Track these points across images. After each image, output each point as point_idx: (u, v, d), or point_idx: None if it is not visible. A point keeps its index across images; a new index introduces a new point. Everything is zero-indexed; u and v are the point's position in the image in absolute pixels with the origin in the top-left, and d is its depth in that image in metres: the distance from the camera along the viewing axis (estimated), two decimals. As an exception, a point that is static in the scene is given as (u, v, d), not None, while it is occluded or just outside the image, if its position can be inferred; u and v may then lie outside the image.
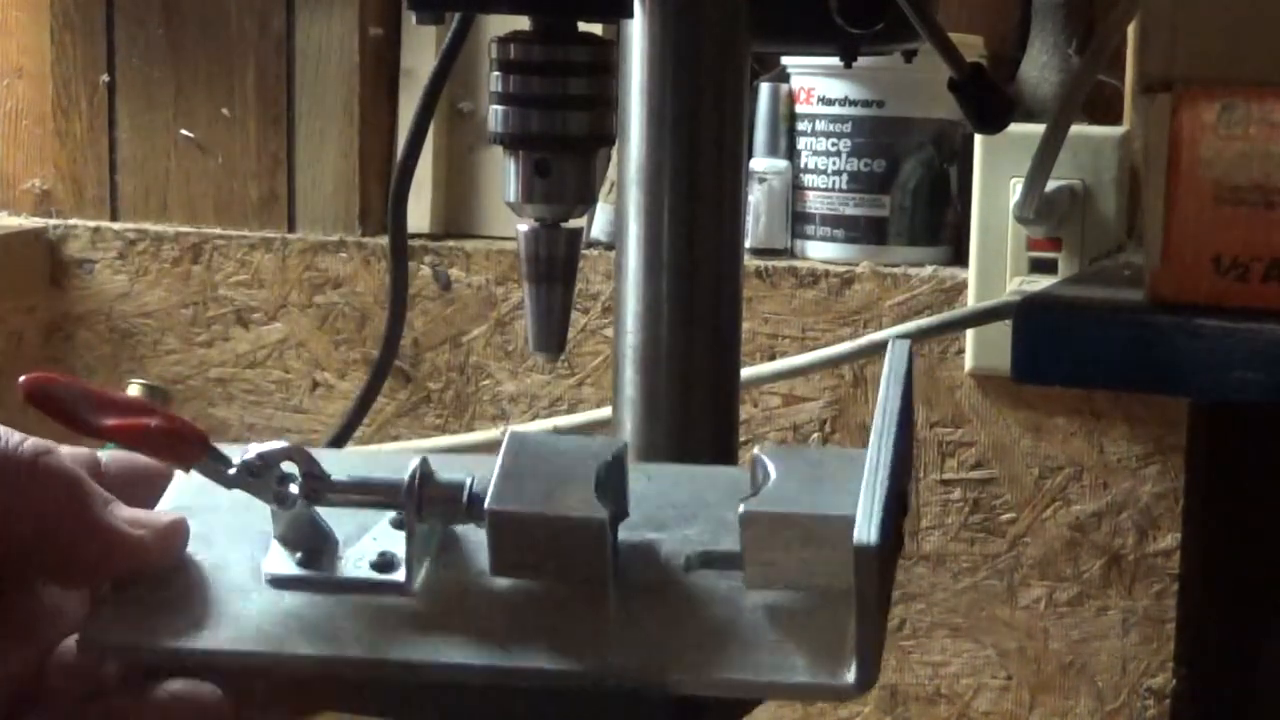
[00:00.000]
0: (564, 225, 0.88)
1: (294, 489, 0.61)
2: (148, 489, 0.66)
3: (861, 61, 1.05)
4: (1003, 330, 1.12)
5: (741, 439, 1.32)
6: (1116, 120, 1.33)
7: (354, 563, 0.61)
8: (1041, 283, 1.25)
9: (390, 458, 0.65)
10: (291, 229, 1.50)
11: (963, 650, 1.36)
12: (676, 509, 0.66)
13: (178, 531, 0.63)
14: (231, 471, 0.62)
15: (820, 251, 1.38)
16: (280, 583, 0.61)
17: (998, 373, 1.30)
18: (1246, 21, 0.89)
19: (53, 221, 1.55)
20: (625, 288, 0.97)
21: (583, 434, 1.41)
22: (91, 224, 1.54)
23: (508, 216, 0.98)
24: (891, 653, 1.37)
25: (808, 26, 1.00)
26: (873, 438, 0.62)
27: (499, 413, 1.44)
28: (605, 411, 1.28)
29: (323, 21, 1.48)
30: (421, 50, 1.47)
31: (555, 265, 0.88)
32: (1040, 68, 1.34)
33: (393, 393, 1.46)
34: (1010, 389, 1.32)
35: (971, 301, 1.32)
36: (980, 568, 1.35)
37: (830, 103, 1.36)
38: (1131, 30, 1.24)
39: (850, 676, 0.60)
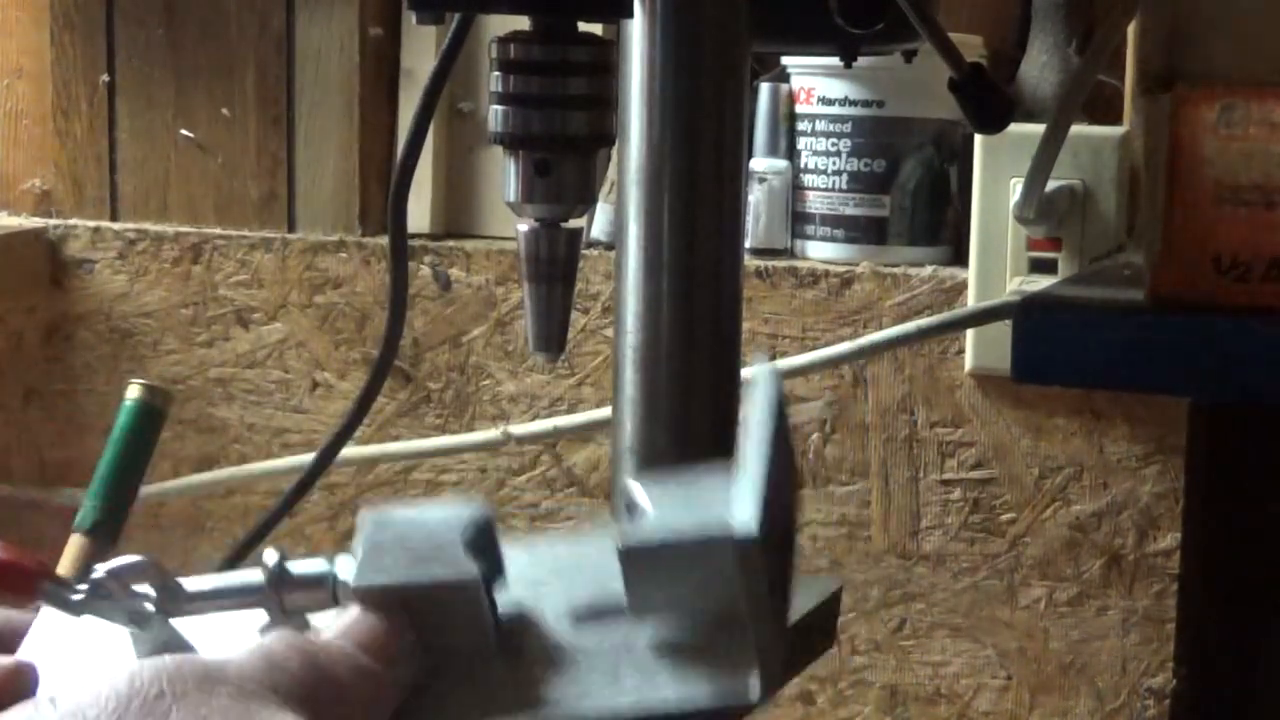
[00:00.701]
0: (564, 225, 0.88)
1: (149, 606, 0.60)
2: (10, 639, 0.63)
3: (861, 61, 1.05)
4: (1003, 330, 1.12)
5: (741, 439, 1.32)
6: (1116, 120, 1.33)
7: None
8: (1041, 283, 1.25)
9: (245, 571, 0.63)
10: (291, 229, 1.50)
11: (963, 650, 1.36)
12: (556, 569, 0.65)
13: (14, 677, 0.60)
14: (78, 598, 0.59)
15: (820, 251, 1.38)
16: None
17: (998, 373, 1.30)
18: (1246, 21, 0.89)
19: (53, 221, 1.55)
20: (625, 288, 0.97)
21: (582, 434, 1.41)
22: (91, 224, 1.54)
23: (508, 216, 0.98)
24: (891, 653, 1.37)
25: (808, 26, 1.00)
26: (743, 445, 0.61)
27: (499, 413, 1.44)
28: (605, 411, 1.28)
29: (323, 21, 1.48)
30: (421, 50, 1.47)
31: (555, 265, 0.88)
32: (1040, 68, 1.34)
33: (393, 393, 1.46)
34: (1010, 389, 1.32)
35: (971, 301, 1.32)
36: (980, 568, 1.35)
37: (830, 103, 1.36)
38: (1131, 30, 1.24)
39: (752, 686, 0.59)
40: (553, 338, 0.89)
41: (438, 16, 0.90)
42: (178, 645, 0.60)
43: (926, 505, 1.35)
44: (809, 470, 1.38)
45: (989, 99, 1.06)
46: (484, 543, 0.63)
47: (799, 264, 1.37)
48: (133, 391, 1.10)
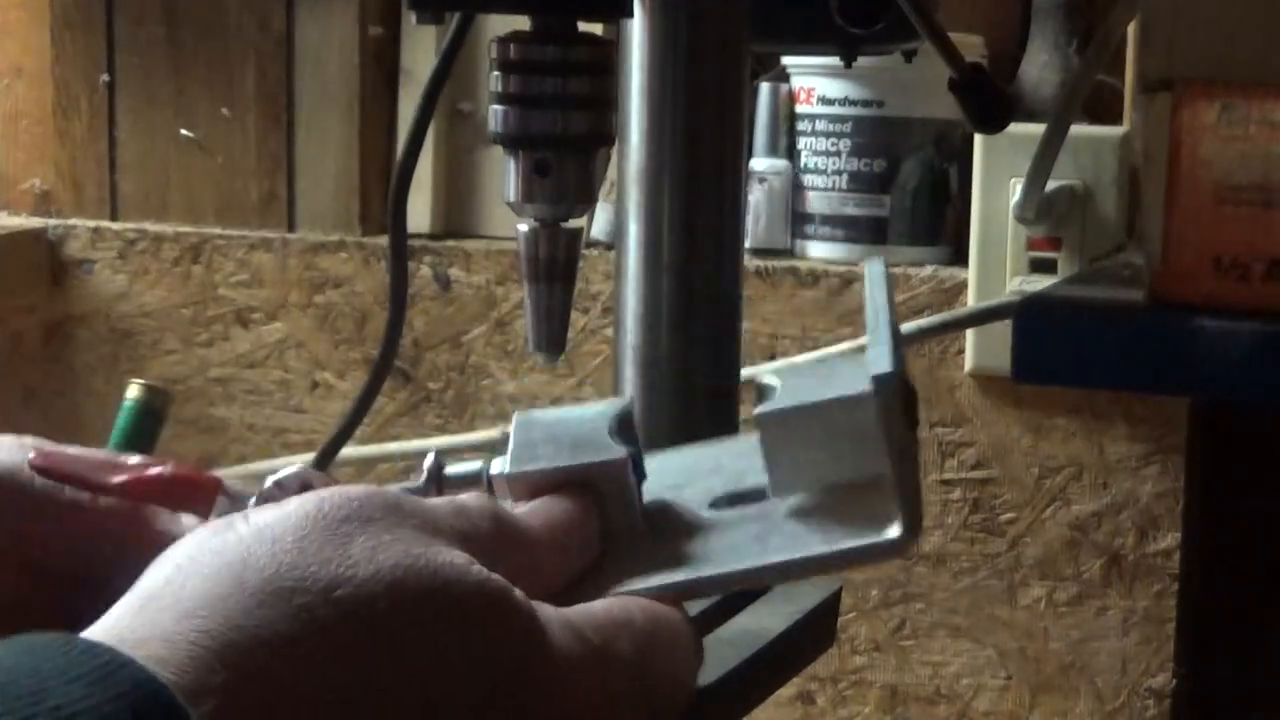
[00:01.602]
0: (564, 225, 0.88)
1: None
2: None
3: (861, 61, 1.05)
4: (1003, 330, 1.12)
5: (741, 439, 1.32)
6: (1116, 120, 1.33)
7: None
8: (1041, 283, 1.25)
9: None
10: (291, 229, 1.50)
11: (963, 650, 1.36)
12: (692, 470, 0.68)
13: (207, 484, 0.64)
14: (250, 507, 0.61)
15: (820, 251, 1.38)
16: None
17: (998, 373, 1.30)
18: (1246, 21, 0.89)
19: (53, 221, 1.55)
20: (625, 288, 0.97)
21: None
22: (91, 224, 1.54)
23: (508, 216, 0.98)
24: (892, 653, 1.37)
25: (808, 26, 1.00)
26: (870, 324, 0.65)
27: (499, 413, 1.44)
28: (605, 411, 1.28)
29: (323, 21, 1.48)
30: (421, 50, 1.47)
31: (555, 265, 0.88)
32: (1040, 68, 1.34)
33: (393, 393, 1.46)
34: (1010, 389, 1.32)
35: (971, 301, 1.32)
36: (980, 568, 1.35)
37: (830, 103, 1.36)
38: (1131, 30, 1.24)
39: (895, 530, 0.60)
40: (553, 338, 0.89)
41: (438, 16, 0.90)
42: None
43: (926, 505, 1.35)
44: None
45: (989, 99, 1.06)
46: (629, 434, 0.66)
47: (799, 264, 1.37)
48: (132, 391, 1.10)
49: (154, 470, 0.63)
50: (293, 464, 0.64)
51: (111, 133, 1.54)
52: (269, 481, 0.63)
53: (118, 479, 0.63)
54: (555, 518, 0.61)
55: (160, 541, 0.57)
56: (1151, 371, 0.90)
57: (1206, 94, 0.88)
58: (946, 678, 1.36)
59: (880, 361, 0.61)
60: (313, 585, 0.51)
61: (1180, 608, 1.31)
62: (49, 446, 0.64)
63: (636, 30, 0.95)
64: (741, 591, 0.88)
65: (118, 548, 0.62)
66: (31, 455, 0.63)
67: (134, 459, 0.64)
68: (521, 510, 0.61)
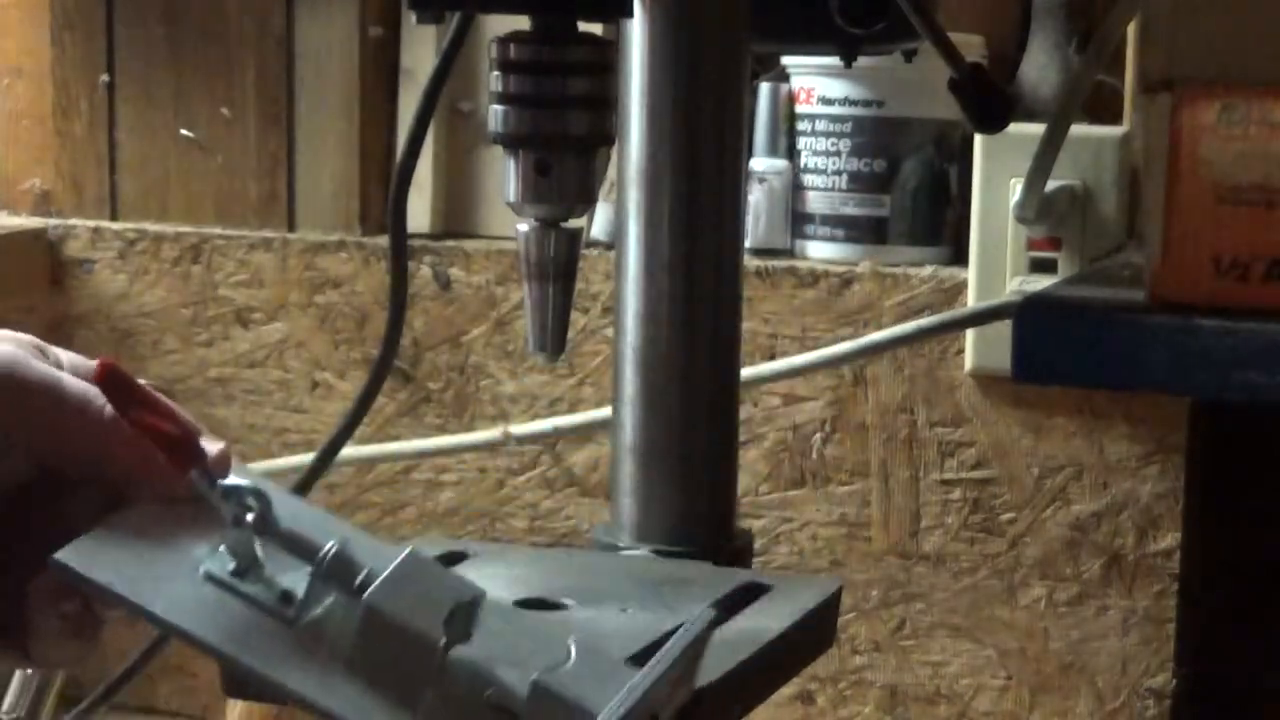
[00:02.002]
0: (564, 225, 0.88)
1: (249, 518, 0.73)
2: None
3: (861, 61, 1.05)
4: (1003, 330, 1.12)
5: (741, 439, 1.32)
6: (1116, 120, 1.33)
7: (264, 588, 0.73)
8: (1041, 283, 1.25)
9: (333, 522, 0.75)
10: (291, 229, 1.50)
11: (963, 650, 1.36)
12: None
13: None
14: (217, 487, 0.73)
15: (820, 251, 1.38)
16: (212, 579, 0.73)
17: (998, 373, 1.30)
18: (1246, 21, 0.89)
19: (53, 221, 1.55)
20: (625, 288, 0.98)
21: (582, 434, 1.41)
22: (91, 224, 1.54)
23: (508, 216, 0.98)
24: (892, 653, 1.37)
25: (808, 26, 1.00)
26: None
27: (499, 413, 1.44)
28: (605, 411, 1.28)
29: (323, 21, 1.48)
30: (421, 50, 1.47)
31: (555, 265, 0.88)
32: (1040, 68, 1.34)
33: (393, 393, 1.46)
34: (1010, 389, 1.32)
35: (971, 301, 1.32)
36: (980, 568, 1.35)
37: (830, 103, 1.36)
38: (1131, 30, 1.24)
39: None
40: (553, 338, 0.89)
41: (438, 16, 0.90)
42: (250, 551, 0.73)
43: (926, 505, 1.35)
44: (809, 470, 1.38)
45: (989, 99, 1.06)
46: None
47: (799, 264, 1.37)
48: (133, 391, 1.10)
49: (163, 423, 0.73)
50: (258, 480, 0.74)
51: (111, 133, 1.54)
52: (231, 480, 0.73)
53: (140, 416, 0.73)
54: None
55: (150, 494, 0.71)
56: (1151, 371, 0.90)
57: (1206, 94, 0.88)
58: (946, 678, 1.36)
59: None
60: None
61: (1180, 608, 1.31)
62: (57, 351, 0.79)
63: (636, 30, 0.95)
64: (742, 592, 0.89)
65: (119, 476, 0.72)
66: (99, 361, 0.75)
67: (170, 410, 0.73)
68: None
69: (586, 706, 0.69)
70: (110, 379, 0.74)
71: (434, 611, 0.71)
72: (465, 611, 0.72)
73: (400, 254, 1.07)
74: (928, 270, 1.35)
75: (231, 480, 0.73)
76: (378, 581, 0.71)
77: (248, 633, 0.71)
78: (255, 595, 0.72)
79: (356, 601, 0.71)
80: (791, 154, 1.39)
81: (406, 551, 0.73)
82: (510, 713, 0.70)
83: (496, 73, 0.87)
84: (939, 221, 1.37)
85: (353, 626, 0.71)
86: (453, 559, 0.90)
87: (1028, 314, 0.93)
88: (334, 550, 0.72)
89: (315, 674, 0.71)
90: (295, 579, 0.72)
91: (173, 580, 0.72)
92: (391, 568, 0.72)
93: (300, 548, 0.73)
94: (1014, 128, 1.09)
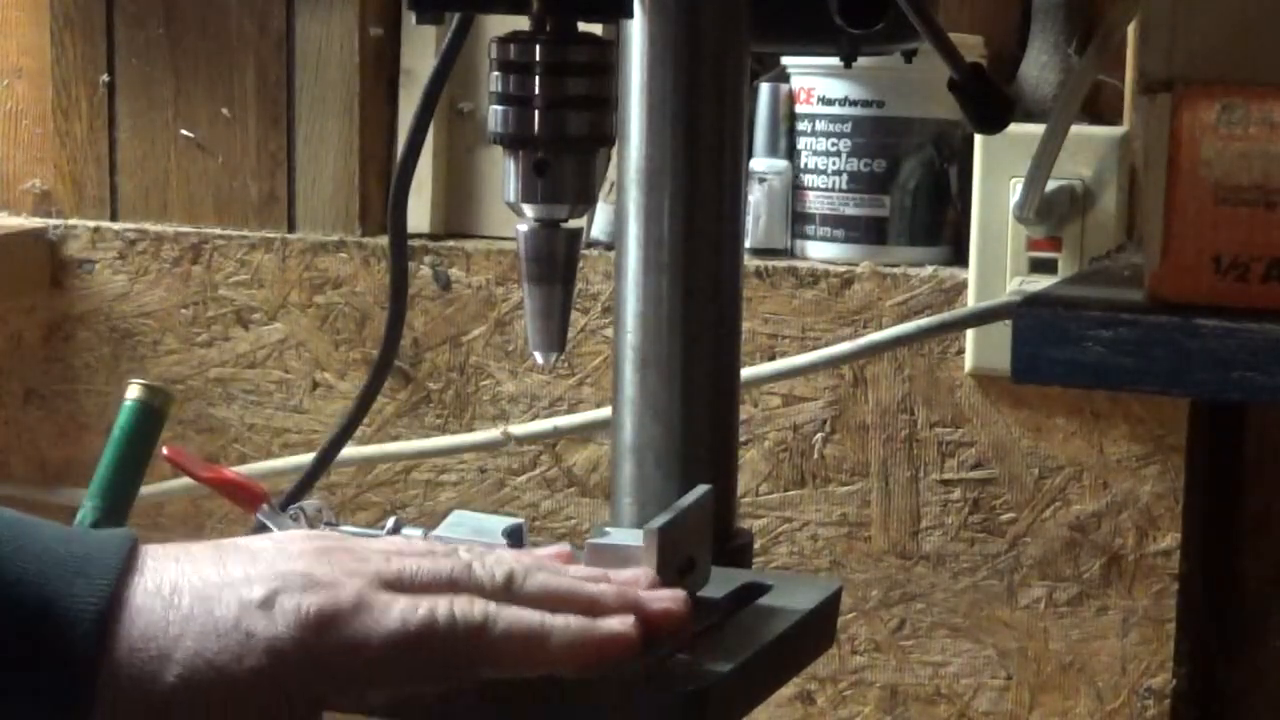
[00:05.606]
0: (564, 225, 0.88)
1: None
2: None
3: (861, 61, 1.05)
4: (1003, 330, 1.12)
5: (742, 439, 1.32)
6: (1116, 120, 1.33)
7: None
8: (1041, 283, 1.25)
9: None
10: (291, 229, 1.50)
11: (963, 650, 1.36)
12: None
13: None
14: (282, 517, 0.90)
15: (820, 251, 1.38)
16: None
17: (998, 373, 1.30)
18: (1246, 21, 0.89)
19: (53, 221, 1.55)
20: (625, 288, 0.97)
21: (582, 434, 1.41)
22: (91, 224, 1.54)
23: (508, 216, 0.98)
24: (892, 653, 1.37)
25: (808, 26, 1.00)
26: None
27: (499, 413, 1.44)
28: (605, 411, 1.28)
29: (323, 21, 1.48)
30: (421, 50, 1.47)
31: (555, 265, 0.88)
32: (1040, 68, 1.34)
33: (393, 393, 1.46)
34: (1010, 389, 1.32)
35: (971, 301, 1.32)
36: (980, 568, 1.35)
37: (830, 103, 1.36)
38: (1131, 30, 1.24)
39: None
40: (553, 338, 0.89)
41: (438, 16, 0.90)
42: None
43: (926, 505, 1.35)
44: (809, 470, 1.38)
45: (989, 99, 1.06)
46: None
47: (799, 264, 1.37)
48: (132, 391, 1.10)
49: (226, 476, 0.91)
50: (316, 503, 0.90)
51: (111, 133, 1.54)
52: (296, 508, 0.91)
53: (205, 474, 0.89)
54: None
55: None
56: (1151, 371, 0.90)
57: (1206, 94, 0.88)
58: (946, 678, 1.36)
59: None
60: None
61: (1180, 608, 1.31)
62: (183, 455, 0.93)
63: (636, 30, 0.95)
64: (742, 592, 0.89)
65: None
66: (165, 451, 0.92)
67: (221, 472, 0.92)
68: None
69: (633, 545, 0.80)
70: (173, 461, 0.88)
71: (491, 536, 0.85)
72: (516, 530, 0.87)
73: (400, 254, 1.07)
74: (928, 270, 1.35)
75: (298, 507, 0.89)
76: (439, 528, 0.86)
77: None
78: None
79: None
80: (791, 154, 1.39)
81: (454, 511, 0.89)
82: None
83: (496, 73, 0.87)
84: (939, 221, 1.37)
85: None
86: None
87: (1028, 314, 0.93)
88: (395, 520, 0.86)
89: None
90: None
91: None
92: (447, 520, 0.87)
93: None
94: (1014, 128, 1.09)
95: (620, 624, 0.71)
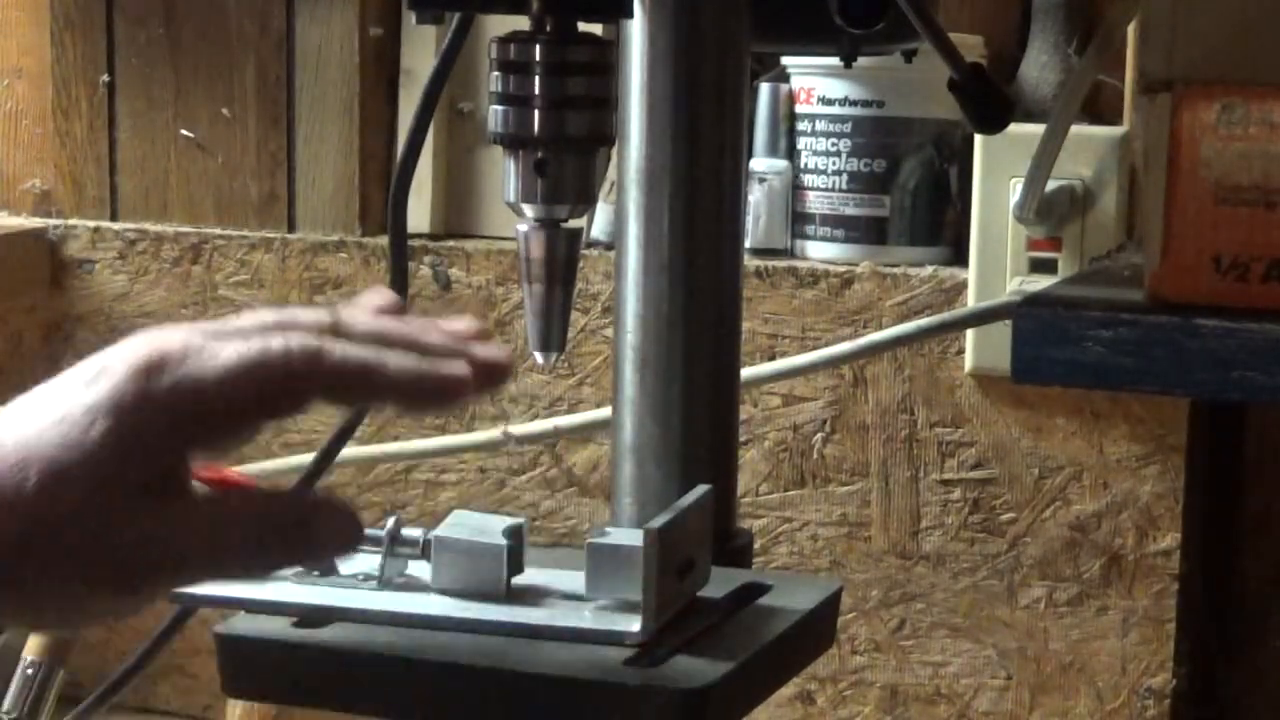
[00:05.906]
0: (564, 225, 0.88)
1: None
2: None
3: (861, 61, 1.05)
4: (1003, 330, 1.12)
5: (742, 439, 1.32)
6: (1116, 120, 1.33)
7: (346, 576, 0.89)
8: (1041, 283, 1.25)
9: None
10: (291, 229, 1.50)
11: (963, 650, 1.36)
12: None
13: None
14: None
15: (820, 251, 1.38)
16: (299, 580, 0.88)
17: (998, 373, 1.30)
18: (1246, 21, 0.89)
19: (53, 221, 1.55)
20: (625, 288, 0.98)
21: (582, 434, 1.41)
22: (91, 224, 1.54)
23: (508, 216, 0.98)
24: (892, 653, 1.37)
25: (808, 26, 1.00)
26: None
27: (499, 413, 1.44)
28: (605, 411, 1.28)
29: (323, 21, 1.48)
30: (421, 50, 1.47)
31: (555, 265, 0.88)
32: (1040, 68, 1.34)
33: (393, 393, 1.46)
34: (1010, 389, 1.32)
35: (971, 301, 1.32)
36: (980, 568, 1.35)
37: (830, 103, 1.36)
38: (1131, 30, 1.24)
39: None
40: (553, 338, 0.89)
41: (438, 16, 0.90)
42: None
43: (926, 505, 1.35)
44: (809, 470, 1.38)
45: (989, 99, 1.06)
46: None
47: (799, 264, 1.37)
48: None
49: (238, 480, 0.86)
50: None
51: (111, 133, 1.54)
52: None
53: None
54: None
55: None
56: (1151, 371, 0.90)
57: (1206, 94, 0.88)
58: (946, 678, 1.36)
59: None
60: None
61: (1180, 608, 1.31)
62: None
63: (636, 30, 0.95)
64: (742, 592, 0.89)
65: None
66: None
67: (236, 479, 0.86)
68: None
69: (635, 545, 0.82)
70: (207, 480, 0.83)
71: (491, 536, 0.86)
72: (517, 530, 0.87)
73: (400, 254, 1.07)
74: (928, 270, 1.35)
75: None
76: (439, 528, 0.86)
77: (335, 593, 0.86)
78: (340, 579, 0.87)
79: (426, 556, 0.86)
80: (791, 154, 1.39)
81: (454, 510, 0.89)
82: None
83: (496, 73, 0.87)
84: (939, 221, 1.37)
85: (427, 569, 0.85)
86: None
87: (1027, 314, 0.93)
88: (395, 520, 0.86)
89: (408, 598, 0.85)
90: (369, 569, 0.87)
91: (267, 588, 0.86)
92: (447, 519, 0.87)
93: (370, 543, 0.86)
94: (1014, 128, 1.09)
95: (456, 366, 0.73)
